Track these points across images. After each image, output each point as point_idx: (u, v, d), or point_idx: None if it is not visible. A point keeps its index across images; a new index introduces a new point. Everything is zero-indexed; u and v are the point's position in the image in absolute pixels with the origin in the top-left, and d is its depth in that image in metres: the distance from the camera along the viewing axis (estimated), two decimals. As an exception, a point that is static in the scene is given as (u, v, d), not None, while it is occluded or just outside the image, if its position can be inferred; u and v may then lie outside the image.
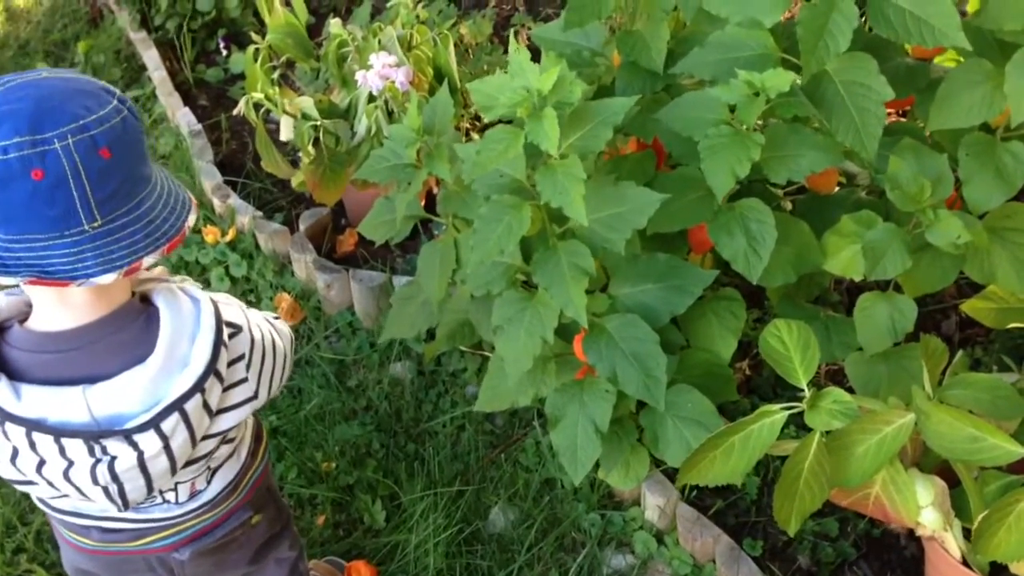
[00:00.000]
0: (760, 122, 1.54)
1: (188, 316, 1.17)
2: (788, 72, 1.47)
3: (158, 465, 1.17)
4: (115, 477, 1.15)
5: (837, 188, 1.87)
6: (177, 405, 1.15)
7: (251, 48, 2.41)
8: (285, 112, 2.39)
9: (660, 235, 1.71)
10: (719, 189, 1.49)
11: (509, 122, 1.46)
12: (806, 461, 1.38)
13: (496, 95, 1.45)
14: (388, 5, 2.49)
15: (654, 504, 1.83)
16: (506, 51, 2.94)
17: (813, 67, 1.47)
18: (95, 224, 1.04)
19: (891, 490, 1.45)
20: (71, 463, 1.13)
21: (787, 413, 1.38)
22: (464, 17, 2.99)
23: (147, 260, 1.09)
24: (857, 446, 1.41)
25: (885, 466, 1.42)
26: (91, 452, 1.13)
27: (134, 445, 1.14)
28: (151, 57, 3.19)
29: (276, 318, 1.38)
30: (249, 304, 2.47)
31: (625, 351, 1.57)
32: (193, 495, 1.36)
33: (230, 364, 1.22)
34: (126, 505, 1.20)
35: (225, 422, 1.25)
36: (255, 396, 1.27)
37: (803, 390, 1.39)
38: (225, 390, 1.22)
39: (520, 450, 2.07)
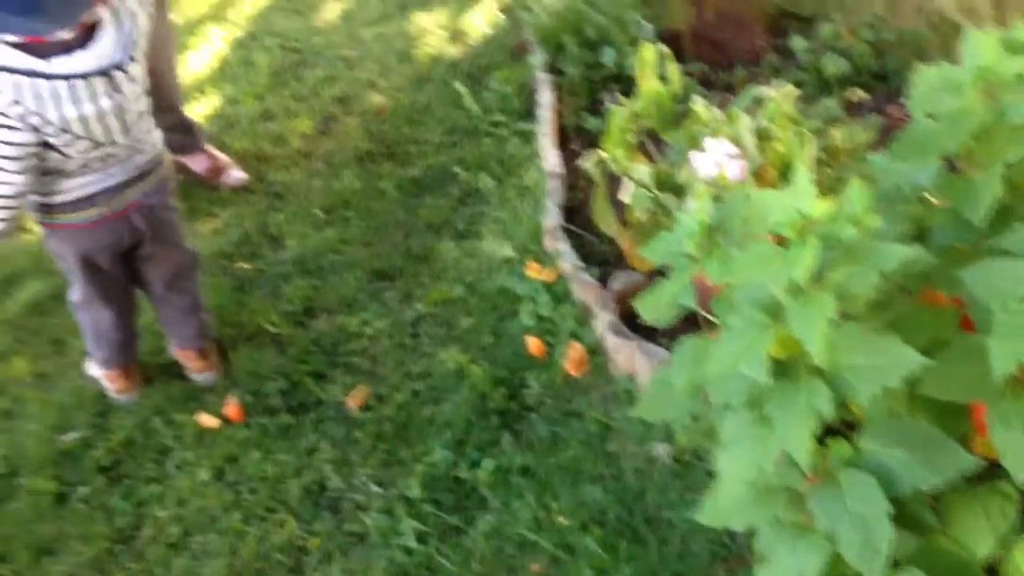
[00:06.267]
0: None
1: None
2: None
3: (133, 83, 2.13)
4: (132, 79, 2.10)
5: None
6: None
7: (619, 108, 2.51)
8: (627, 175, 2.46)
9: (938, 402, 1.54)
10: (998, 371, 1.31)
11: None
12: None
13: (770, 209, 1.40)
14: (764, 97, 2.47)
15: None
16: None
17: None
18: None
19: None
20: (95, 95, 2.01)
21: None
22: (847, 120, 2.86)
23: None
24: None
25: None
26: (110, 83, 2.03)
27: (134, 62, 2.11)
28: (546, 98, 3.42)
29: None
30: (547, 344, 2.59)
31: (851, 510, 1.43)
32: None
33: None
34: (127, 129, 2.14)
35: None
36: None
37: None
38: None
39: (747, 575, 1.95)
